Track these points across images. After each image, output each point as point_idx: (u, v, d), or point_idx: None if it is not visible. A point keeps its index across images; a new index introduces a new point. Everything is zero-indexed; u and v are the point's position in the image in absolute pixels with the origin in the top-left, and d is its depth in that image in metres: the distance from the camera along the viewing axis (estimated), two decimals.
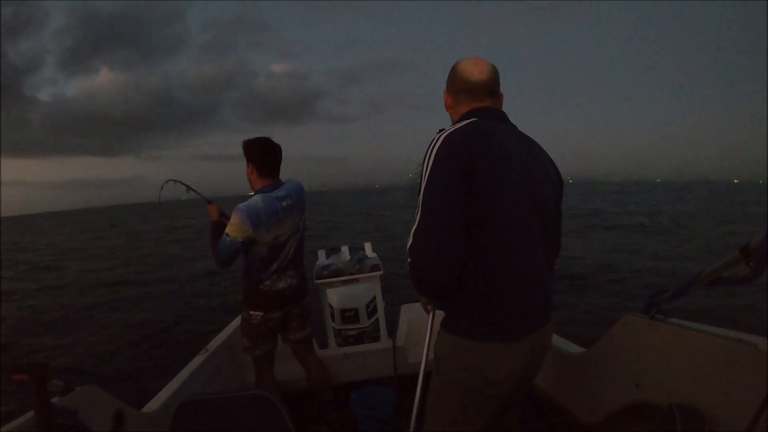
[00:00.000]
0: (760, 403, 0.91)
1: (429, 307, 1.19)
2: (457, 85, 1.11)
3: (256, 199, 1.73)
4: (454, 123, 1.05)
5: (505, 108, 1.14)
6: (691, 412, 1.12)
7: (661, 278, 6.78)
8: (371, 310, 2.77)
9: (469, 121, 1.02)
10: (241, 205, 1.69)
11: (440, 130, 1.01)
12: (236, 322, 2.61)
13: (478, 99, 1.09)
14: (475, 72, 1.09)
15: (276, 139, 1.81)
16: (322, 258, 2.80)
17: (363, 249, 2.82)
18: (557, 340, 1.92)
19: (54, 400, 1.19)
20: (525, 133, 1.12)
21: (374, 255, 2.73)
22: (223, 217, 1.89)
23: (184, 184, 2.20)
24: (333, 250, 2.98)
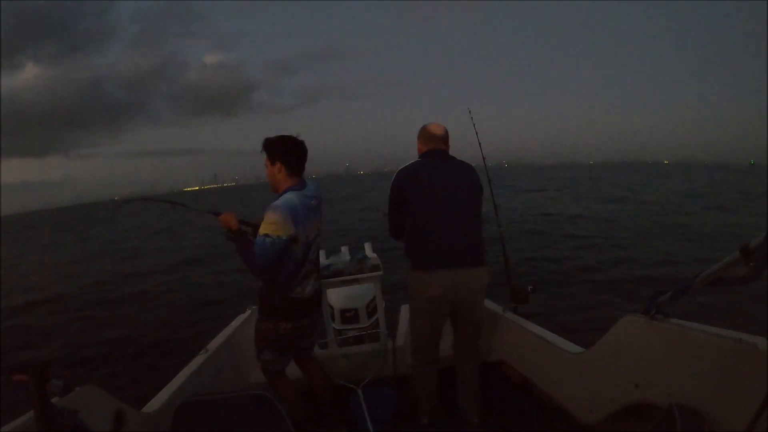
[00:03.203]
0: (760, 403, 0.91)
1: None
2: (425, 135, 1.92)
3: (291, 197, 1.68)
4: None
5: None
6: (691, 412, 1.12)
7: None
8: (371, 310, 2.76)
9: (415, 161, 1.88)
10: (277, 203, 1.64)
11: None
12: (236, 322, 2.61)
13: (430, 142, 1.90)
14: (436, 129, 1.91)
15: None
16: (322, 258, 2.80)
17: (363, 249, 2.82)
18: (557, 339, 1.92)
19: (54, 400, 1.19)
20: (459, 158, 1.92)
21: (374, 255, 2.73)
22: (244, 224, 1.80)
23: (169, 201, 2.07)
24: (333, 251, 2.98)
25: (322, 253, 2.84)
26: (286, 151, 1.75)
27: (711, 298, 4.58)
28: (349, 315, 2.72)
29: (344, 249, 2.85)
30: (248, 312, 2.73)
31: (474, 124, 2.74)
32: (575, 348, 1.81)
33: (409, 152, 2.06)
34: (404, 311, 2.71)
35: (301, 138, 1.78)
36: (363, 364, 2.43)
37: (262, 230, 1.62)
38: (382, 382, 2.38)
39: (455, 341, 2.00)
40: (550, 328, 2.05)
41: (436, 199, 1.78)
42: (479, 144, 2.76)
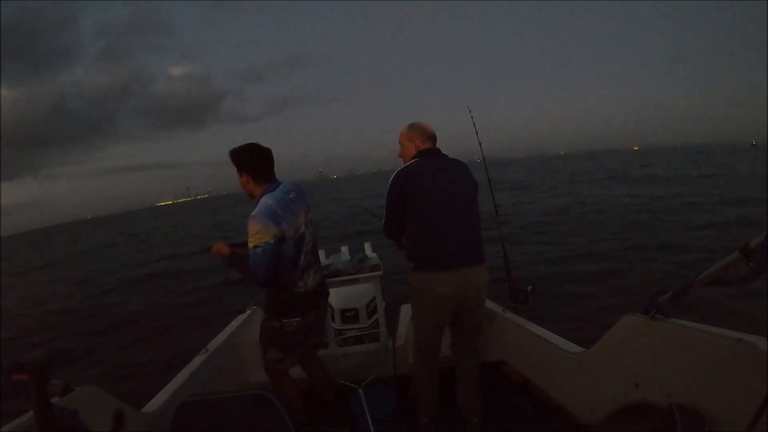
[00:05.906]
0: (760, 403, 0.91)
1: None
2: (416, 130, 1.93)
3: (265, 200, 1.70)
4: (407, 159, 1.92)
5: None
6: (691, 412, 1.12)
7: None
8: (371, 310, 2.77)
9: (411, 161, 1.88)
10: (253, 213, 1.66)
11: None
12: (236, 322, 2.61)
13: (425, 141, 1.92)
14: (427, 127, 1.95)
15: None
16: (322, 258, 2.80)
17: (363, 249, 2.82)
18: (557, 339, 1.92)
19: (54, 400, 1.19)
20: (453, 157, 1.94)
21: (374, 255, 2.73)
22: (235, 247, 1.82)
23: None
24: (333, 250, 2.98)
25: (321, 252, 2.85)
26: (250, 161, 1.76)
27: (711, 298, 4.57)
28: (349, 315, 2.72)
29: (344, 249, 2.85)
30: (248, 312, 2.73)
31: (474, 123, 2.74)
32: (575, 348, 1.81)
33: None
34: (404, 311, 2.71)
35: (263, 145, 1.78)
36: (363, 364, 2.43)
37: (250, 243, 1.64)
38: (382, 382, 2.38)
39: (455, 341, 2.00)
40: (550, 328, 2.05)
41: (439, 198, 1.80)
42: (479, 144, 2.76)
